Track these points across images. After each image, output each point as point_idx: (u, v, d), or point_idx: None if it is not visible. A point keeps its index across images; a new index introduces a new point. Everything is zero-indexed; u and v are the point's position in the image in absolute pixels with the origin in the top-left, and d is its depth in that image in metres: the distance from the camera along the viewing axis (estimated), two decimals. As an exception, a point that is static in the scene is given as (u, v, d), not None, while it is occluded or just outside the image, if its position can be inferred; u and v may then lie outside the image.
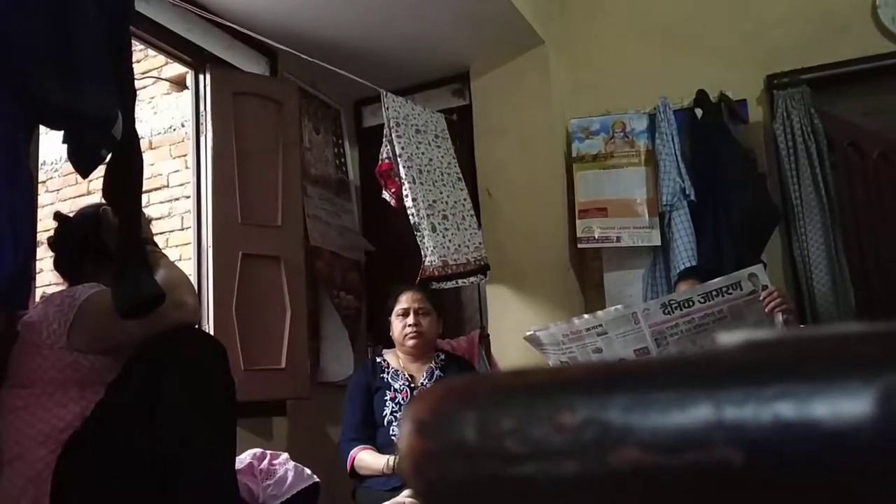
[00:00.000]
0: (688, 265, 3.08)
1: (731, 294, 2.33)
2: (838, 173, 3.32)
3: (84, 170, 1.70)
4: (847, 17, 3.36)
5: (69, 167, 1.72)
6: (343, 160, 3.82)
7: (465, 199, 3.41)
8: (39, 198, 1.93)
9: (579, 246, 3.42)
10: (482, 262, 3.33)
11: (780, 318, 2.30)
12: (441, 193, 3.29)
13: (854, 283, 3.17)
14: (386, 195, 3.23)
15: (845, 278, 3.16)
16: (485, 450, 0.24)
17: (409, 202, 3.13)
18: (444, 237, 3.19)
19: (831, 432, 0.20)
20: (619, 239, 3.34)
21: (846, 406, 0.20)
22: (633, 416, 0.22)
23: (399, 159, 3.17)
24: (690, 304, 2.33)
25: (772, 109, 3.37)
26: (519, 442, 0.23)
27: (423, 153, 3.31)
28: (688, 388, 0.22)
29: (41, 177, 3.93)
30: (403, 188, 3.14)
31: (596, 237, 3.37)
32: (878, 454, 0.20)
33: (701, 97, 3.36)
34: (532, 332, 2.49)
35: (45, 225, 2.12)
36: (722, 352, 0.24)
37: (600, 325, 2.38)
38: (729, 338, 0.24)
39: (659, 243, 3.27)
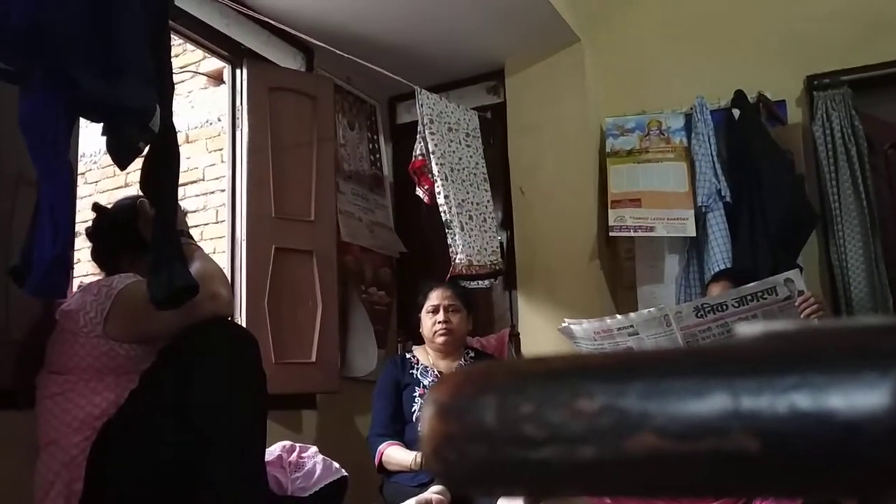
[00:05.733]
0: (722, 267, 3.04)
1: (765, 299, 2.30)
2: (878, 176, 3.26)
3: (122, 162, 1.72)
4: (890, 17, 3.29)
5: (108, 159, 1.75)
6: (378, 156, 3.84)
7: (488, 202, 3.41)
8: (78, 189, 1.97)
9: (611, 234, 3.36)
10: (497, 267, 3.33)
11: (815, 323, 2.27)
12: (468, 194, 3.30)
13: (893, 290, 3.11)
14: (419, 192, 3.24)
15: (884, 284, 3.10)
16: (503, 434, 0.24)
17: (441, 199, 3.14)
18: (470, 237, 3.19)
19: (847, 423, 0.20)
20: (652, 229, 3.27)
21: (862, 397, 0.20)
22: (650, 404, 0.23)
23: (432, 156, 3.18)
24: (724, 308, 2.31)
25: (811, 110, 3.32)
26: (537, 426, 0.24)
27: (453, 151, 3.31)
28: (705, 376, 0.23)
29: (80, 168, 3.99)
30: (436, 185, 3.15)
31: (628, 225, 3.30)
32: (894, 446, 0.20)
33: (739, 97, 3.32)
34: (566, 324, 2.49)
35: (84, 216, 2.16)
36: (739, 342, 0.24)
37: (631, 326, 2.37)
38: (747, 328, 0.24)
39: (694, 234, 3.20)
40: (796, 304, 2.30)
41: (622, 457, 0.23)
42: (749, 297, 2.30)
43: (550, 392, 0.24)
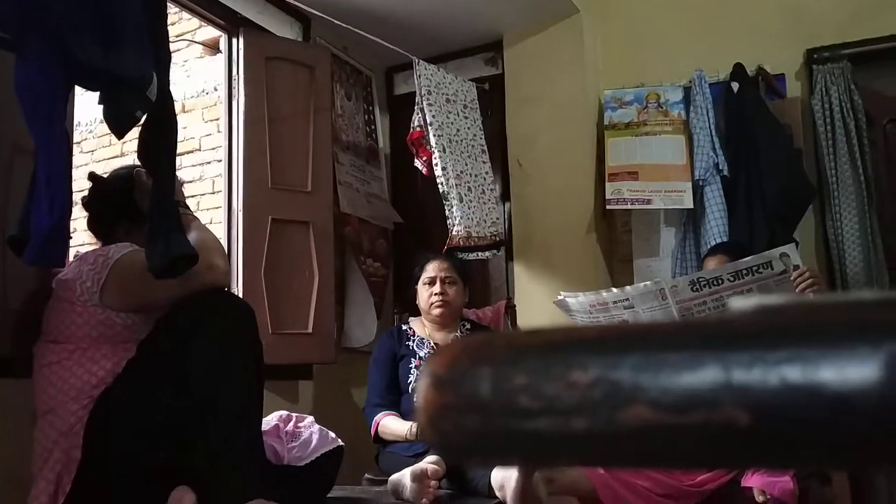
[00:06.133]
0: (718, 241, 3.05)
1: (761, 273, 2.31)
2: (877, 151, 3.26)
3: (119, 131, 1.72)
4: (892, -10, 3.27)
5: (104, 128, 1.74)
6: (374, 127, 3.82)
7: (486, 173, 3.41)
8: (74, 158, 1.97)
9: (608, 207, 3.36)
10: (498, 238, 3.34)
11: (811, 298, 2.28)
12: (466, 165, 3.29)
13: (889, 265, 3.12)
14: (417, 163, 3.23)
15: (880, 259, 3.11)
16: (498, 405, 0.25)
17: (438, 171, 3.13)
18: (468, 208, 3.19)
19: (837, 396, 0.21)
20: (649, 201, 3.28)
21: (853, 371, 0.21)
22: (643, 376, 0.23)
23: (430, 128, 3.16)
24: (719, 282, 2.31)
25: (811, 84, 3.31)
26: (531, 398, 0.24)
27: (451, 123, 3.30)
28: (697, 349, 0.23)
29: (76, 137, 3.97)
30: (434, 157, 3.14)
31: (625, 198, 3.30)
32: (884, 419, 0.20)
33: (738, 71, 3.30)
34: (562, 297, 2.50)
35: (80, 185, 2.15)
36: (732, 316, 0.24)
37: (627, 300, 2.38)
38: (740, 302, 0.24)
39: (692, 206, 3.21)
40: (792, 278, 2.30)
41: (615, 428, 0.23)
42: (745, 272, 2.31)
43: (545, 364, 0.24)
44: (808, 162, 3.26)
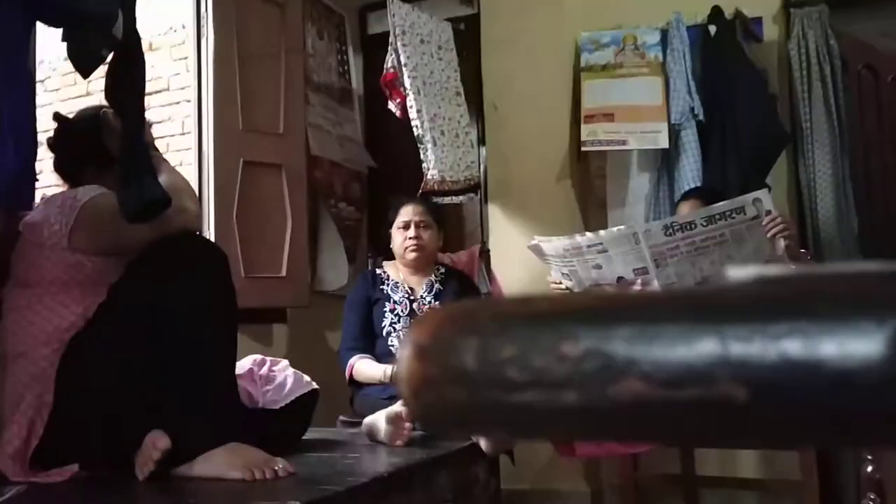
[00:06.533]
0: (692, 185, 3.06)
1: (734, 218, 2.32)
2: (851, 96, 3.26)
3: (85, 70, 1.67)
4: (872, -68, 3.24)
5: (69, 66, 1.69)
6: (346, 68, 3.75)
7: (461, 116, 3.37)
8: (38, 98, 1.91)
9: (583, 149, 3.34)
10: (472, 182, 3.32)
11: (781, 243, 2.31)
12: (441, 108, 3.25)
13: (858, 210, 3.15)
14: (391, 105, 3.19)
15: (850, 204, 3.14)
16: (485, 377, 0.24)
17: (413, 114, 3.09)
18: (443, 152, 3.16)
19: (839, 372, 0.20)
20: (625, 142, 3.26)
21: (856, 346, 0.20)
22: (636, 349, 0.22)
23: (404, 69, 3.11)
24: (692, 226, 2.32)
25: (788, 28, 3.29)
26: (520, 370, 0.23)
27: (426, 64, 3.24)
28: (694, 321, 0.22)
29: (39, 76, 3.86)
30: (408, 99, 3.10)
31: (601, 140, 3.29)
32: (887, 396, 0.20)
33: (716, 14, 3.27)
34: (536, 241, 2.50)
35: (44, 125, 2.09)
36: (730, 287, 0.23)
37: (601, 244, 2.39)
38: (738, 272, 0.24)
39: (667, 145, 3.20)
40: (763, 223, 2.32)
41: (606, 403, 0.22)
42: (718, 217, 2.32)
43: (534, 335, 0.23)
44: (783, 106, 3.26)
